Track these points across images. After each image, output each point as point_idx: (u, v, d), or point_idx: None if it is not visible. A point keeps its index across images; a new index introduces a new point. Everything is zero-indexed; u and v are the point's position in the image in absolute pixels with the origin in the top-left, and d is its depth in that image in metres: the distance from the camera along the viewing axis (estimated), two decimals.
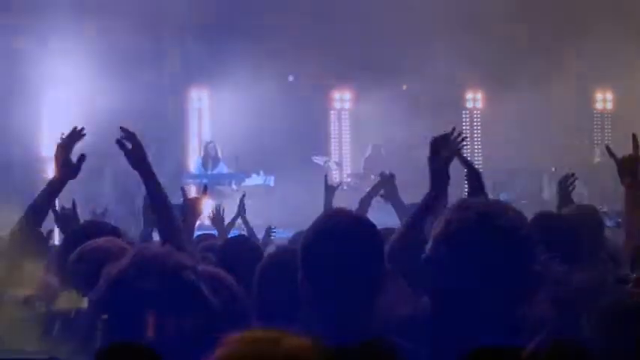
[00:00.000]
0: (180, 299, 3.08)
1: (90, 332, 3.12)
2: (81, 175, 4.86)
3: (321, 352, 1.98)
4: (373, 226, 3.50)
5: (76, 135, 4.92)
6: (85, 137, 4.94)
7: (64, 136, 4.90)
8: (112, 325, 3.03)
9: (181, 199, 5.68)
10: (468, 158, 4.62)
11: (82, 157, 4.84)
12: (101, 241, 4.13)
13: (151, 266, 3.14)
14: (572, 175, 6.17)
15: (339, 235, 3.35)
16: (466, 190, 4.47)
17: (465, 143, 4.38)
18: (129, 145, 4.41)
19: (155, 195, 4.41)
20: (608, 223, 6.74)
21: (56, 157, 4.88)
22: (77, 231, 4.87)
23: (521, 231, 3.30)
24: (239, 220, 8.28)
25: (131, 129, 4.48)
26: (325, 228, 3.41)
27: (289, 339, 1.95)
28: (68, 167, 4.81)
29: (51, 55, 14.04)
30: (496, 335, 3.04)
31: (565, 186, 6.12)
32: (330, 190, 7.48)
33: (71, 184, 4.93)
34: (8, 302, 3.84)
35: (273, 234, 8.01)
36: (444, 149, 4.08)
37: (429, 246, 3.40)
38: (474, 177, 4.40)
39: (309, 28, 15.56)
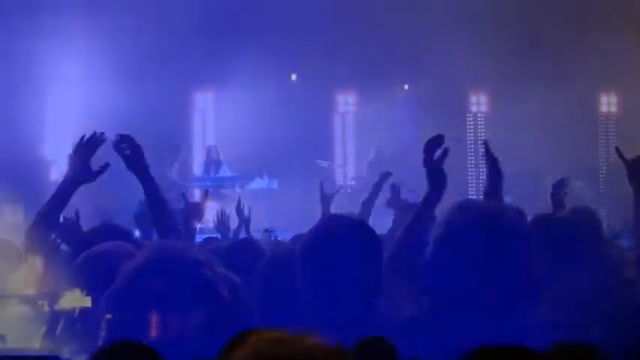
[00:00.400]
0: (196, 294, 3.11)
1: (94, 331, 3.15)
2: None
3: (340, 353, 2.00)
4: (371, 228, 3.54)
5: (98, 140, 4.87)
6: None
7: (84, 139, 4.85)
8: (128, 319, 3.06)
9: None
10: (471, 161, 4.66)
11: (105, 165, 4.80)
12: (108, 244, 4.16)
13: (168, 262, 3.17)
14: (563, 180, 6.22)
15: (338, 237, 3.38)
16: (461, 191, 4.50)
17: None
18: (127, 151, 4.47)
19: (153, 196, 4.46)
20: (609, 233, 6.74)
21: (72, 157, 4.83)
22: (89, 234, 4.89)
23: (521, 232, 3.32)
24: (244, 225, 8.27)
25: (135, 132, 4.51)
26: (325, 230, 3.45)
27: (309, 339, 1.97)
28: (86, 170, 4.75)
29: (54, 57, 14.07)
30: (497, 335, 3.05)
31: (559, 191, 6.16)
32: (326, 198, 7.53)
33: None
34: (12, 301, 3.86)
35: (273, 235, 8.02)
36: (438, 151, 4.15)
37: (430, 247, 3.42)
38: (496, 179, 4.43)
39: (313, 31, 15.57)
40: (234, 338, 2.06)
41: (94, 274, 3.78)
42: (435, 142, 4.16)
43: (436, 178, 4.06)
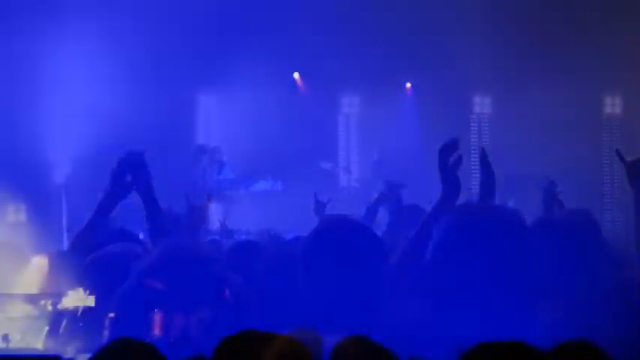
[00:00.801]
0: (209, 290, 3.14)
1: (99, 330, 3.17)
2: (86, 179, 4.87)
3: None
4: (372, 230, 3.56)
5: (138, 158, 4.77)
6: (91, 142, 4.95)
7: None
8: (139, 315, 3.09)
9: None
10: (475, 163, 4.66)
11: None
12: (115, 246, 4.19)
13: (181, 258, 3.20)
14: (553, 182, 6.21)
15: (339, 238, 3.40)
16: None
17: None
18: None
19: (152, 217, 4.50)
20: None
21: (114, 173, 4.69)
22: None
23: (521, 234, 3.34)
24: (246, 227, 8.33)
25: (137, 133, 4.54)
26: (326, 231, 3.46)
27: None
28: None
29: (57, 58, 14.09)
30: (497, 335, 3.06)
31: (552, 193, 6.15)
32: (320, 206, 7.59)
33: (78, 189, 4.94)
34: (16, 301, 3.88)
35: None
36: (453, 156, 4.10)
37: (430, 249, 3.44)
38: (490, 183, 4.42)
39: (317, 32, 15.58)
40: (229, 337, 2.07)
41: (101, 276, 3.81)
42: (450, 147, 4.09)
43: (450, 184, 4.01)
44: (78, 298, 3.67)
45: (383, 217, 7.55)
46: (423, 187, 8.89)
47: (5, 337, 3.60)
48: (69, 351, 3.38)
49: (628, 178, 4.69)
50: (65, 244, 6.56)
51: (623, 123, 17.91)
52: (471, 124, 18.06)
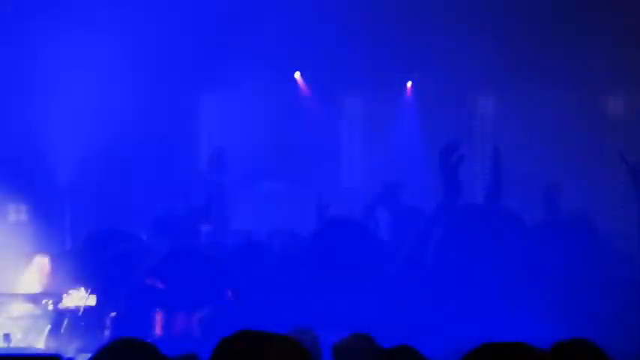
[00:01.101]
0: (210, 290, 3.17)
1: (98, 329, 3.17)
2: (88, 179, 4.89)
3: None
4: (372, 232, 3.58)
5: None
6: (92, 142, 4.97)
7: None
8: (141, 315, 3.10)
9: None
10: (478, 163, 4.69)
11: None
12: (117, 249, 4.20)
13: (183, 259, 3.23)
14: (557, 184, 6.23)
15: (340, 239, 3.42)
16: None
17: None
18: None
19: None
20: None
21: None
22: (97, 238, 4.94)
23: (521, 235, 3.35)
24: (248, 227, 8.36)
25: (140, 133, 4.55)
26: (327, 234, 3.49)
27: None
28: None
29: (58, 59, 14.10)
30: (498, 334, 3.06)
31: (553, 194, 6.16)
32: (321, 207, 7.65)
33: (80, 189, 4.95)
34: (17, 300, 3.88)
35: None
36: (453, 157, 4.17)
37: (432, 249, 3.45)
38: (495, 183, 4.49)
39: (319, 32, 15.57)
40: (228, 337, 2.08)
41: (102, 276, 3.82)
42: (451, 148, 4.17)
43: (451, 185, 4.07)
44: (79, 298, 3.68)
45: (383, 217, 7.56)
46: (423, 187, 8.92)
47: (7, 337, 3.60)
48: (70, 350, 3.38)
49: (630, 179, 4.69)
50: (67, 245, 6.56)
51: (624, 123, 17.88)
52: (472, 124, 18.06)
